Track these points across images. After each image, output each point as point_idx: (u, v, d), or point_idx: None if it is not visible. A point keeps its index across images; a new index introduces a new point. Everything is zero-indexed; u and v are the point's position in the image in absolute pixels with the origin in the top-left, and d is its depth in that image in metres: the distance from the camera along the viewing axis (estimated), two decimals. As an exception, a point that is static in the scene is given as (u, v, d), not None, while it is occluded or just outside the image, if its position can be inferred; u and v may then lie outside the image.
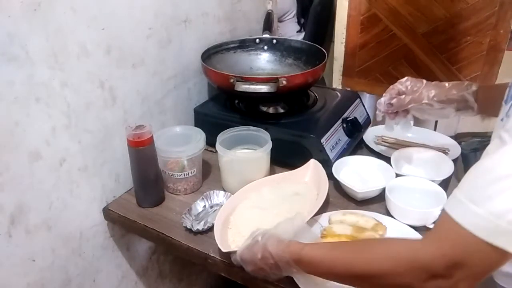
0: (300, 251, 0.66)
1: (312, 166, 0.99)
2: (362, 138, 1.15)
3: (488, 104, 0.87)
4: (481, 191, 0.52)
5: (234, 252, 0.75)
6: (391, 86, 0.94)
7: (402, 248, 0.59)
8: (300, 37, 2.61)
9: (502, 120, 0.66)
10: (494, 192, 0.50)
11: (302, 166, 0.99)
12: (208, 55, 1.18)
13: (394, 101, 0.91)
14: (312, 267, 0.66)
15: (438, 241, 0.55)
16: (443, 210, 0.55)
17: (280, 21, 2.56)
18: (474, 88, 0.87)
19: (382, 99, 0.93)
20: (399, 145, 1.13)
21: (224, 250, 0.78)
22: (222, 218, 0.86)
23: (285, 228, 0.72)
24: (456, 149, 1.10)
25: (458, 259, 0.52)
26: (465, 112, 0.89)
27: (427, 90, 0.89)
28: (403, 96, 0.91)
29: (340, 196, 0.97)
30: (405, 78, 0.93)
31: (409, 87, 0.92)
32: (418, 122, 1.06)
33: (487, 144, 0.71)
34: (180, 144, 0.97)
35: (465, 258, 0.52)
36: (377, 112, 0.96)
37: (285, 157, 1.03)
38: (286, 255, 0.66)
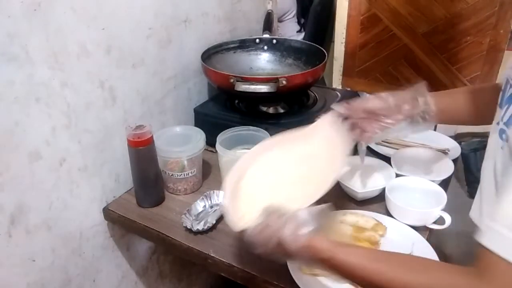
0: (329, 252, 0.60)
1: (328, 121, 0.85)
2: (362, 138, 1.15)
3: (444, 113, 0.83)
4: None
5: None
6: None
7: (451, 283, 0.54)
8: (300, 37, 2.61)
9: (498, 124, 0.66)
10: None
11: (317, 122, 0.86)
12: (208, 55, 1.18)
13: (347, 106, 0.83)
14: (342, 272, 0.60)
15: (488, 280, 0.50)
16: (481, 245, 0.51)
17: (280, 21, 2.56)
18: (427, 101, 0.81)
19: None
20: (399, 145, 1.13)
21: (238, 227, 0.68)
22: (232, 186, 0.75)
23: (304, 216, 0.63)
24: (456, 149, 1.10)
25: None
26: (419, 124, 0.83)
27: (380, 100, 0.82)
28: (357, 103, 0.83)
29: (340, 196, 0.97)
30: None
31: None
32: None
33: (487, 144, 0.72)
34: (180, 144, 0.97)
35: None
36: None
37: (285, 157, 1.03)
38: (307, 252, 0.61)
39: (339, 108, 0.83)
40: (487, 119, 0.84)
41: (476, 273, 0.52)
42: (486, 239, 0.51)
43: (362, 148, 0.88)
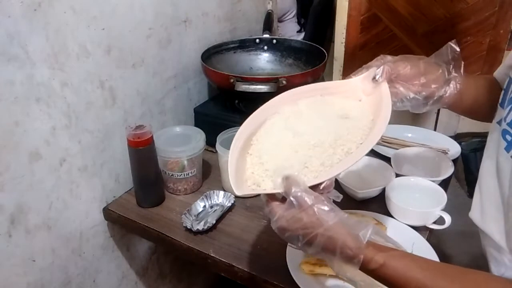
0: (379, 265, 0.53)
1: (366, 79, 0.71)
2: (362, 138, 1.15)
3: (463, 98, 0.74)
4: None
5: (250, 195, 0.62)
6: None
7: None
8: (300, 37, 2.61)
9: (499, 123, 0.66)
10: None
11: (358, 77, 0.72)
12: (208, 55, 1.18)
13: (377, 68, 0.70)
14: (392, 283, 0.54)
15: None
16: None
17: (280, 21, 2.56)
18: (456, 80, 0.72)
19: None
20: (399, 145, 1.13)
21: (237, 193, 0.58)
22: (242, 139, 0.64)
23: (355, 230, 0.55)
24: (456, 149, 1.10)
25: None
26: (436, 103, 0.74)
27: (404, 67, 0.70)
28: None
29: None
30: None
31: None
32: (417, 123, 1.05)
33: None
34: (180, 144, 0.97)
35: None
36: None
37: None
38: (358, 262, 0.54)
39: (365, 73, 0.71)
40: (479, 114, 0.80)
41: None
42: None
43: None
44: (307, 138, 0.63)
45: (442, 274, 0.54)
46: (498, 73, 0.78)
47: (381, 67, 0.69)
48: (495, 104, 0.73)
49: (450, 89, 0.72)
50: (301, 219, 0.55)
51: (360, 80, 0.71)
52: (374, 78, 0.69)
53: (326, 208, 0.55)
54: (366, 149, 0.61)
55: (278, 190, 0.56)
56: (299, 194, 0.55)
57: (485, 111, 0.78)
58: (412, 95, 0.71)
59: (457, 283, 0.53)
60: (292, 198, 0.55)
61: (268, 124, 0.68)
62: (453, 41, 0.74)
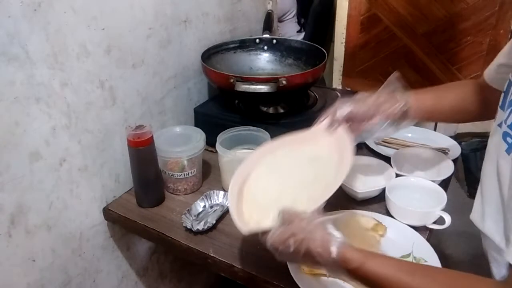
0: (359, 265, 0.58)
1: (328, 125, 0.84)
2: (362, 138, 1.15)
3: (422, 111, 0.84)
4: None
5: (256, 232, 0.66)
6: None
7: None
8: (300, 37, 2.61)
9: (499, 126, 0.66)
10: None
11: (316, 126, 0.85)
12: (208, 55, 1.18)
13: (329, 118, 0.83)
14: (372, 284, 0.58)
15: None
16: (509, 264, 0.51)
17: (280, 21, 2.56)
18: (405, 99, 0.81)
19: (322, 119, 0.84)
20: (399, 145, 1.13)
21: (245, 229, 0.67)
22: (236, 190, 0.74)
23: (330, 229, 0.62)
24: (456, 149, 1.10)
25: None
26: (399, 123, 0.83)
27: (359, 103, 0.82)
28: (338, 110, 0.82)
29: (340, 196, 0.97)
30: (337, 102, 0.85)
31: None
32: (417, 123, 1.05)
33: (487, 144, 0.72)
34: (180, 144, 0.97)
35: None
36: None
37: (285, 157, 1.03)
38: (338, 265, 0.59)
39: (323, 122, 0.84)
40: (468, 116, 0.86)
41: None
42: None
43: None
44: (291, 180, 0.76)
45: (420, 271, 0.59)
46: (488, 73, 0.79)
47: (334, 118, 0.81)
48: (484, 103, 0.79)
49: (404, 106, 0.81)
50: (289, 229, 0.62)
51: (321, 128, 0.84)
52: (332, 125, 0.82)
53: (309, 215, 0.63)
54: (340, 179, 0.72)
55: (276, 222, 0.65)
56: (286, 213, 0.64)
57: (474, 113, 0.84)
58: (369, 124, 0.81)
59: (429, 277, 0.57)
60: (281, 216, 0.64)
61: (254, 174, 0.80)
62: (395, 72, 0.85)
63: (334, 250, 0.59)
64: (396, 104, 0.80)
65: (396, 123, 0.82)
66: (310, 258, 0.61)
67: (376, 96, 0.82)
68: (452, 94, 0.86)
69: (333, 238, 0.60)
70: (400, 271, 0.57)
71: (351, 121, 0.82)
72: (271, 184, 0.77)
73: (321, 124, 0.83)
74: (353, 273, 0.59)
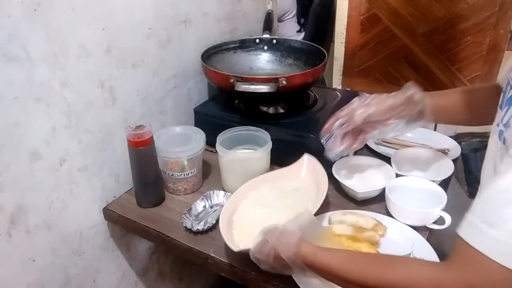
0: (313, 257, 0.64)
1: (306, 161, 0.97)
2: (362, 138, 1.15)
3: (440, 112, 0.86)
4: (496, 213, 0.50)
5: (246, 251, 0.74)
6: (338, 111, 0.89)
7: (424, 273, 0.56)
8: (300, 37, 2.61)
9: (498, 125, 0.66)
10: (510, 213, 0.48)
11: (296, 162, 0.98)
12: (208, 55, 1.18)
13: (345, 118, 0.86)
14: (325, 274, 0.65)
15: (460, 269, 0.52)
16: (458, 236, 0.53)
17: (280, 21, 2.56)
18: (422, 101, 0.84)
19: (334, 120, 0.87)
20: (399, 145, 1.13)
21: (235, 249, 0.76)
22: (225, 219, 0.85)
23: (292, 227, 0.70)
24: (456, 149, 1.10)
25: None
26: (415, 123, 0.86)
27: (377, 105, 0.85)
28: (356, 112, 0.85)
29: (340, 196, 0.97)
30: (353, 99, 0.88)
31: (357, 105, 0.87)
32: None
33: (487, 144, 0.72)
34: (180, 144, 0.97)
35: (489, 286, 0.50)
36: (325, 132, 0.90)
37: (285, 157, 1.03)
38: (298, 259, 0.65)
39: (340, 124, 0.87)
40: (484, 120, 0.86)
41: (445, 264, 0.56)
42: (462, 231, 0.53)
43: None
44: (274, 209, 0.87)
45: (365, 258, 0.66)
46: (500, 78, 0.80)
47: (351, 118, 0.85)
48: (479, 109, 0.82)
49: (421, 107, 0.84)
50: (265, 239, 0.70)
51: (298, 164, 0.97)
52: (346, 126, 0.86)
53: (283, 225, 0.71)
54: (318, 203, 0.84)
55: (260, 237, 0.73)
56: (265, 228, 0.72)
57: (489, 117, 0.84)
58: (386, 124, 0.85)
59: (375, 262, 0.63)
60: (262, 232, 0.72)
61: (241, 206, 0.90)
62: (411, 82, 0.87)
63: (292, 247, 0.66)
64: (413, 106, 0.83)
65: (411, 124, 0.85)
66: (279, 260, 0.67)
67: (394, 98, 0.84)
68: (468, 97, 0.86)
69: (293, 235, 0.68)
70: (347, 258, 0.64)
71: (367, 121, 0.85)
72: (256, 214, 0.87)
73: (336, 124, 0.87)
74: (311, 267, 0.65)
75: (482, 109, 0.85)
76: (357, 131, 0.89)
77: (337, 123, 0.86)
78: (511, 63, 0.75)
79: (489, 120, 0.87)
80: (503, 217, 0.49)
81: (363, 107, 0.84)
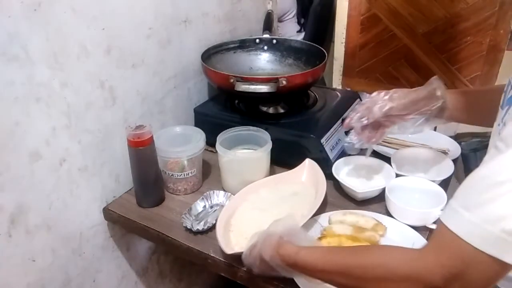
0: (295, 255, 0.65)
1: (308, 165, 0.99)
2: (362, 138, 1.15)
3: (460, 111, 0.86)
4: (475, 198, 0.51)
5: (239, 254, 0.75)
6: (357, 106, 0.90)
7: (399, 257, 0.58)
8: (300, 37, 2.61)
9: (498, 125, 0.66)
10: (487, 199, 0.49)
11: (298, 166, 0.99)
12: (208, 55, 1.18)
13: (365, 112, 0.86)
14: (308, 271, 0.65)
15: (436, 252, 0.53)
16: (439, 220, 0.54)
17: (280, 21, 2.56)
18: (444, 97, 0.83)
19: (354, 114, 0.88)
20: (399, 145, 1.12)
21: (228, 252, 0.78)
22: (223, 221, 0.85)
23: (274, 230, 0.71)
24: (456, 149, 1.10)
25: (456, 270, 0.50)
26: (435, 120, 0.86)
27: (397, 99, 0.85)
28: (376, 105, 0.85)
29: (340, 196, 0.97)
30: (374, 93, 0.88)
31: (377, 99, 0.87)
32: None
33: (487, 144, 0.72)
34: (180, 144, 0.97)
35: (463, 269, 0.50)
36: (345, 127, 0.90)
37: (285, 157, 1.03)
38: (278, 260, 0.66)
39: (360, 117, 0.86)
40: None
41: (422, 248, 0.56)
42: (443, 215, 0.54)
43: (370, 146, 0.94)
44: (271, 212, 0.87)
45: (344, 249, 0.69)
46: (501, 75, 0.79)
47: (371, 112, 0.85)
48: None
49: (442, 104, 0.83)
50: (254, 243, 0.71)
51: (299, 169, 0.98)
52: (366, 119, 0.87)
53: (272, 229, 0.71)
54: (315, 208, 0.85)
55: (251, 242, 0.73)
56: (257, 232, 0.72)
57: (489, 119, 0.84)
58: (406, 120, 0.84)
59: (353, 251, 0.65)
60: (254, 237, 0.72)
61: (240, 209, 0.90)
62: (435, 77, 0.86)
63: (273, 247, 0.67)
64: (434, 102, 0.82)
65: (431, 121, 0.85)
66: (265, 263, 0.68)
67: (415, 93, 0.84)
68: (489, 97, 0.85)
69: (274, 238, 0.68)
70: (328, 251, 0.66)
71: (387, 115, 0.84)
72: (253, 217, 0.87)
73: (355, 118, 0.87)
74: (294, 266, 0.65)
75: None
76: (377, 125, 0.88)
77: (356, 116, 0.86)
78: None
79: None
80: (480, 201, 0.50)
81: (383, 101, 0.84)
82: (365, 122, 0.86)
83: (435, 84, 0.84)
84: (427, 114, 0.83)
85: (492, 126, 0.87)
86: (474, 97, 0.88)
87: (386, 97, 0.85)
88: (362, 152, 0.99)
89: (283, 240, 0.68)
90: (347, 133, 0.94)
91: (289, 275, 0.70)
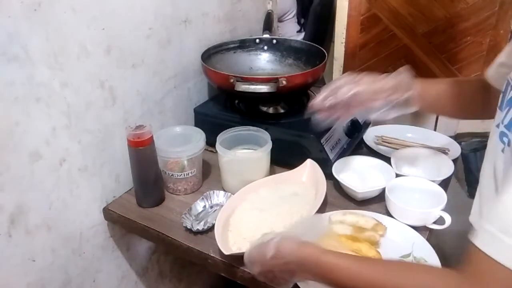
0: (321, 254, 0.61)
1: (309, 166, 0.99)
2: (362, 138, 1.15)
3: (427, 102, 0.85)
4: None
5: (237, 255, 0.74)
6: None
7: (439, 282, 0.54)
8: (300, 37, 2.61)
9: (497, 126, 0.66)
10: None
11: (299, 167, 0.99)
12: (208, 55, 1.18)
13: (331, 92, 0.84)
14: (331, 274, 0.60)
15: (477, 280, 0.50)
16: (473, 245, 0.51)
17: (280, 21, 2.56)
18: (411, 88, 0.83)
19: (320, 95, 0.86)
20: (399, 145, 1.13)
21: (226, 252, 0.77)
22: (222, 221, 0.85)
23: (303, 229, 0.68)
24: (456, 149, 1.10)
25: None
26: (401, 109, 0.84)
27: (365, 84, 0.84)
28: (342, 89, 0.84)
29: (340, 196, 0.97)
30: (344, 74, 0.87)
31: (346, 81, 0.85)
32: (417, 123, 1.05)
33: (487, 144, 0.72)
34: (180, 144, 0.97)
35: None
36: (311, 109, 0.87)
37: (285, 157, 1.03)
38: (303, 254, 0.62)
39: (324, 98, 0.84)
40: (470, 114, 0.86)
41: (461, 273, 0.53)
42: (479, 240, 0.51)
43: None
44: (270, 212, 0.87)
45: (377, 262, 0.64)
46: (490, 72, 0.80)
47: (335, 94, 0.83)
48: (486, 102, 0.79)
49: (409, 94, 0.82)
50: (266, 243, 0.66)
51: (300, 169, 0.99)
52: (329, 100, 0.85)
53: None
54: (315, 208, 0.85)
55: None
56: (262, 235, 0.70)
57: (476, 111, 0.86)
58: (372, 105, 0.83)
59: (388, 267, 0.60)
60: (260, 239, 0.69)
61: (239, 208, 0.90)
62: (406, 66, 0.84)
63: (272, 248, 0.63)
64: (402, 92, 0.82)
65: (398, 109, 0.83)
66: (277, 259, 0.64)
67: (384, 81, 0.83)
68: (457, 89, 0.86)
69: (295, 239, 0.64)
70: (358, 262, 0.61)
71: (352, 99, 0.83)
72: (252, 217, 0.87)
73: (320, 98, 0.85)
74: (317, 268, 0.61)
75: (470, 103, 0.85)
76: (345, 105, 0.86)
77: (322, 97, 0.84)
78: (499, 60, 0.76)
79: (476, 115, 0.88)
80: None
81: (351, 84, 0.83)
82: (329, 103, 0.84)
83: (404, 75, 0.83)
84: (394, 102, 0.82)
85: (459, 118, 0.88)
86: (442, 88, 0.87)
87: (355, 80, 0.84)
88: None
89: (306, 241, 0.65)
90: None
91: (299, 279, 0.67)
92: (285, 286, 0.68)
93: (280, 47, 1.30)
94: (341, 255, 0.63)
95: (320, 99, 0.85)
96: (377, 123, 1.20)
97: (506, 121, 0.63)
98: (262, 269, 0.66)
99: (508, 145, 0.61)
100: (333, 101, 0.83)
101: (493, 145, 0.67)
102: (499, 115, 0.67)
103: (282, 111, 1.14)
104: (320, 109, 0.85)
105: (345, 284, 0.59)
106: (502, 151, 0.63)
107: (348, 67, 2.09)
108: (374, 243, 0.81)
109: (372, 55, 2.02)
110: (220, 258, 0.82)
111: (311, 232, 0.69)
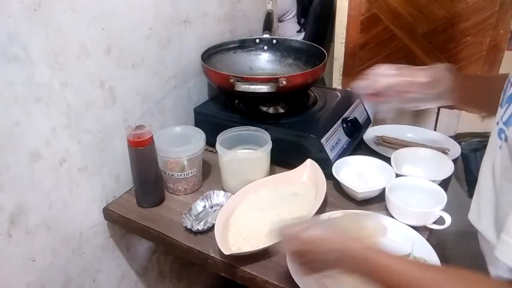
0: (374, 252, 0.58)
1: (309, 166, 0.99)
2: (362, 138, 1.15)
3: (461, 96, 0.85)
4: None
5: (236, 254, 0.74)
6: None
7: None
8: (300, 37, 2.61)
9: (497, 123, 0.66)
10: None
11: (299, 167, 1.00)
12: (208, 55, 1.18)
13: (371, 82, 0.87)
14: (380, 274, 0.57)
15: None
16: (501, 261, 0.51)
17: (280, 21, 2.56)
18: (447, 83, 0.84)
19: (362, 81, 0.89)
20: (399, 145, 1.13)
21: (226, 252, 0.77)
22: (222, 221, 0.85)
23: (347, 223, 0.66)
24: (456, 149, 1.10)
25: None
26: (432, 102, 0.87)
27: (403, 76, 0.86)
28: (382, 78, 0.87)
29: (340, 196, 0.97)
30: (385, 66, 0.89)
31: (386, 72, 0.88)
32: (417, 123, 1.05)
33: (487, 144, 0.72)
34: (180, 144, 0.97)
35: None
36: (353, 88, 0.90)
37: (285, 157, 1.03)
38: (356, 247, 0.59)
39: (362, 87, 0.88)
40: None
41: None
42: (503, 254, 0.50)
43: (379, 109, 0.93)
44: (270, 212, 0.87)
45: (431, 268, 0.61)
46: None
47: (375, 82, 0.86)
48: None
49: (444, 89, 0.83)
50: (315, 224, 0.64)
51: (300, 169, 0.99)
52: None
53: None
54: (315, 208, 0.85)
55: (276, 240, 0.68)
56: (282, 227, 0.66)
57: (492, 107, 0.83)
58: (410, 96, 0.84)
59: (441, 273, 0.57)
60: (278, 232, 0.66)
61: (239, 208, 0.90)
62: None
63: (320, 230, 0.61)
64: (437, 84, 0.83)
65: (432, 101, 0.86)
66: (320, 242, 0.61)
67: (420, 74, 0.85)
68: (492, 84, 0.83)
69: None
70: (416, 266, 0.59)
71: (389, 89, 0.85)
72: (252, 217, 0.87)
73: (359, 85, 0.88)
74: (364, 264, 0.58)
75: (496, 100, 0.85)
76: (382, 94, 0.88)
77: (364, 84, 0.88)
78: None
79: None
80: None
81: (390, 75, 0.86)
82: (367, 91, 0.88)
83: (440, 67, 0.85)
84: (428, 95, 0.84)
85: (491, 116, 0.87)
86: (479, 84, 0.88)
87: (394, 72, 0.86)
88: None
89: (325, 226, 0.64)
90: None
91: (324, 270, 0.62)
92: (309, 275, 0.65)
93: (280, 47, 1.30)
94: (393, 257, 0.59)
95: (360, 87, 0.88)
96: (377, 123, 1.20)
97: (504, 118, 0.63)
98: (301, 248, 0.62)
99: (506, 141, 0.61)
100: (371, 91, 0.87)
101: (492, 143, 0.67)
102: (499, 112, 0.67)
103: (282, 111, 1.14)
104: (359, 94, 0.89)
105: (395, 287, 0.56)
106: (500, 147, 0.63)
107: (348, 67, 2.09)
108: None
109: (372, 55, 2.02)
110: (220, 258, 0.82)
111: (352, 228, 0.67)
